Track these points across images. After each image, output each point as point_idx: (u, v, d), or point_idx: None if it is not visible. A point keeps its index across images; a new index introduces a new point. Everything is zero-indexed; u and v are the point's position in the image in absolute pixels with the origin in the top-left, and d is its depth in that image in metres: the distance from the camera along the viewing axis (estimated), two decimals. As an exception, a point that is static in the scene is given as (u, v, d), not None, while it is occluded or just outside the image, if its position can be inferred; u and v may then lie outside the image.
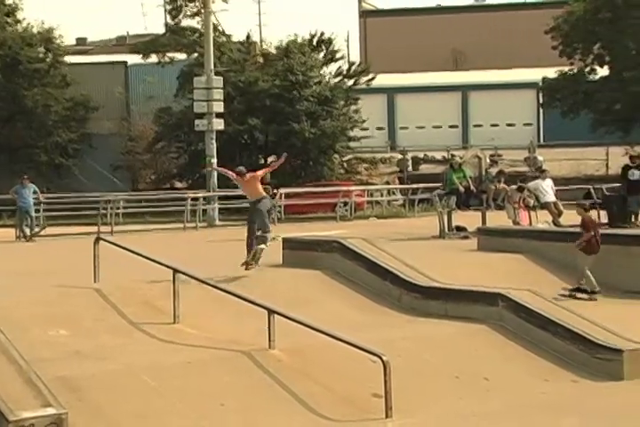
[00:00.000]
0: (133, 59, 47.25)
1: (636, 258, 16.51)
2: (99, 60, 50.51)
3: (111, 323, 13.00)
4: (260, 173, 16.60)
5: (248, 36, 44.45)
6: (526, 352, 13.20)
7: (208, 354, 11.88)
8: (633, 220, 23.17)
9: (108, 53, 53.94)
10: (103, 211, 29.73)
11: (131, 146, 46.16)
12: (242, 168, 16.88)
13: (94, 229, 27.13)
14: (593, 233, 16.16)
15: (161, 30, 47.03)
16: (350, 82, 42.75)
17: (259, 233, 16.33)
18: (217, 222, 31.52)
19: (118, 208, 30.97)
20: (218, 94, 32.54)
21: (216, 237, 24.59)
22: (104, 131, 45.47)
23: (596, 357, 12.86)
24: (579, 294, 15.95)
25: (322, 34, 42.66)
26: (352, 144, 43.17)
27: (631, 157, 24.46)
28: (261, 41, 46.10)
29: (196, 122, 33.07)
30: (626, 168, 23.80)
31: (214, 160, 32.40)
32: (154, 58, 45.18)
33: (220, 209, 32.56)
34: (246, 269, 15.85)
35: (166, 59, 44.62)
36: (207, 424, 10.30)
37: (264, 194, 16.61)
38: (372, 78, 43.19)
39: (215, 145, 32.64)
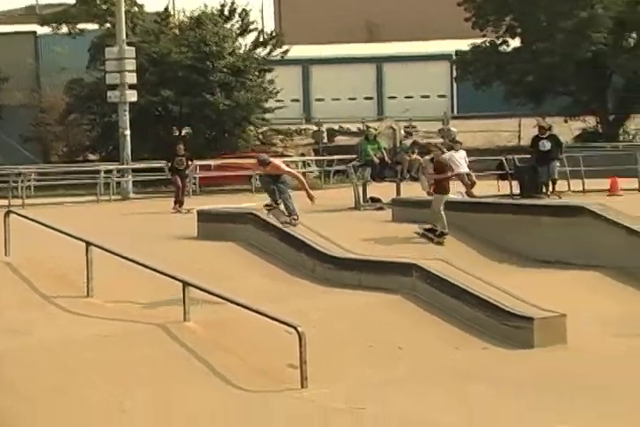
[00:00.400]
0: (44, 29, 46.36)
1: (546, 228, 16.81)
2: (7, 30, 49.40)
3: (23, 297, 12.84)
4: (284, 167, 16.17)
5: (167, 8, 43.91)
6: (439, 321, 13.39)
7: (122, 327, 11.82)
8: (544, 190, 23.54)
9: (16, 24, 52.77)
10: (14, 184, 29.23)
11: (42, 117, 45.37)
12: (265, 157, 16.16)
13: (5, 202, 26.69)
14: (449, 175, 17.62)
15: (71, 0, 46.16)
16: (264, 52, 42.50)
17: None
18: (131, 195, 31.23)
19: (29, 181, 30.48)
20: (130, 65, 32.12)
21: (130, 210, 24.40)
22: (14, 102, 44.61)
23: (506, 324, 13.08)
24: (430, 234, 16.95)
25: (232, 3, 42.31)
26: (267, 116, 43.00)
27: (540, 128, 24.77)
28: (174, 11, 45.56)
29: (109, 93, 32.63)
30: (536, 139, 24.12)
31: (127, 132, 32.05)
32: (65, 29, 44.39)
33: (133, 182, 32.25)
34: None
35: (77, 30, 43.86)
36: (123, 397, 10.25)
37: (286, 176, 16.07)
38: (287, 51, 43.03)
39: (128, 117, 32.27)
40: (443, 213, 17.03)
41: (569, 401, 10.27)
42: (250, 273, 14.94)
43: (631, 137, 44.15)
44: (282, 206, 15.99)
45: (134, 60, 32.51)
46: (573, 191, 24.68)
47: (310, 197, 15.72)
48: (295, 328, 11.04)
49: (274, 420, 9.85)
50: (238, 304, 11.71)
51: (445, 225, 16.99)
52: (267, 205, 15.91)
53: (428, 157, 23.52)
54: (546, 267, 15.93)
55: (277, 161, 16.44)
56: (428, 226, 17.19)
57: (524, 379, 11.36)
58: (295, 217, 15.90)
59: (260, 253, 15.88)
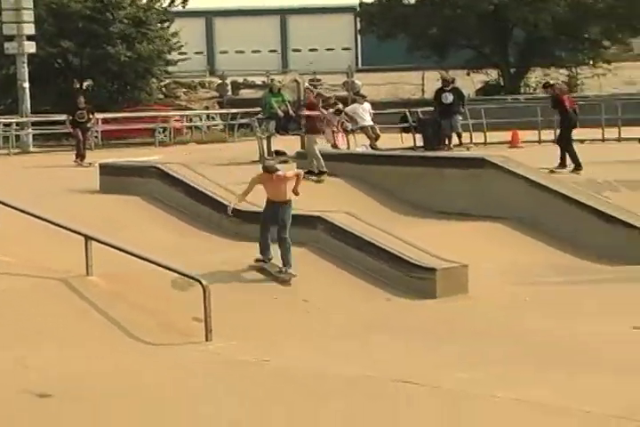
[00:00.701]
0: None
1: (449, 180, 17.00)
2: None
3: None
4: (290, 174, 13.35)
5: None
6: (344, 273, 13.49)
7: (24, 282, 11.67)
8: (447, 142, 23.73)
9: None
10: None
11: (-64, 70, 44.09)
12: (272, 163, 13.58)
13: None
14: (318, 114, 18.52)
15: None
16: (165, 2, 41.88)
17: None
18: (31, 149, 30.68)
19: None
20: (28, 16, 31.34)
21: (31, 164, 23.98)
22: None
23: (410, 276, 13.26)
24: (311, 177, 17.48)
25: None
26: (170, 69, 42.50)
27: (443, 81, 24.91)
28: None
29: (6, 45, 31.87)
30: (439, 92, 24.25)
31: (26, 84, 31.37)
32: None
33: (34, 135, 31.66)
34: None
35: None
36: (27, 353, 10.14)
37: (291, 199, 13.10)
38: (187, 0, 42.43)
39: (27, 69, 31.58)
40: (318, 152, 17.75)
41: (468, 350, 10.48)
42: (154, 227, 14.85)
43: (532, 90, 44.76)
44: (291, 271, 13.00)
45: (32, 11, 31.75)
46: (475, 144, 24.94)
47: (296, 193, 13.33)
48: (200, 282, 11.03)
49: (178, 373, 9.86)
50: (142, 258, 11.64)
51: (322, 164, 17.66)
52: (258, 260, 13.11)
53: (332, 110, 23.61)
54: (448, 218, 16.13)
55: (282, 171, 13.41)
56: (306, 169, 17.77)
57: (426, 329, 11.56)
58: (289, 269, 12.85)
59: (165, 207, 15.78)
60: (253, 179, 13.22)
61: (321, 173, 17.76)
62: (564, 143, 19.17)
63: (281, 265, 12.93)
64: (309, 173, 17.79)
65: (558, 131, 20.35)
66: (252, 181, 13.18)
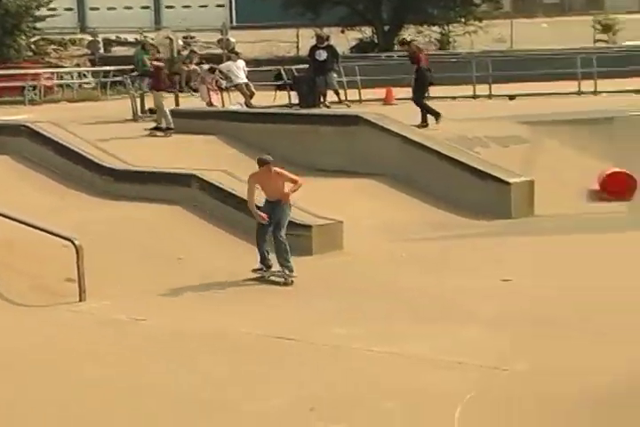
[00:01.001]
0: None
1: (324, 137, 17.05)
2: None
3: None
4: (288, 173, 12.26)
5: None
6: (220, 232, 13.47)
7: None
8: (322, 100, 23.73)
9: None
10: None
11: None
12: (268, 156, 12.28)
13: None
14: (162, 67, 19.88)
15: None
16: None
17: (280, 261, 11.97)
18: None
19: None
20: None
21: None
22: None
23: (288, 233, 13.24)
24: (158, 133, 18.41)
25: None
26: (39, 25, 41.39)
27: (318, 38, 24.84)
28: None
29: None
30: (313, 49, 24.18)
31: None
32: None
33: None
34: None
35: None
36: None
37: (288, 199, 12.18)
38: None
39: None
40: (166, 109, 18.70)
41: (346, 306, 10.57)
42: (24, 186, 14.55)
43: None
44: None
45: None
46: (350, 101, 25.01)
47: (286, 195, 12.20)
48: (72, 241, 10.85)
49: (51, 333, 9.71)
50: (12, 219, 11.38)
51: (170, 120, 18.43)
52: (257, 270, 12.12)
53: (206, 67, 23.39)
54: (324, 175, 16.15)
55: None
56: (153, 125, 18.84)
57: (303, 286, 11.62)
58: (292, 272, 11.90)
59: (36, 167, 15.48)
60: (250, 178, 12.20)
61: (168, 129, 18.36)
62: (418, 100, 19.10)
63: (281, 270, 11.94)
64: (157, 128, 18.53)
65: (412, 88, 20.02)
66: (249, 181, 12.17)
